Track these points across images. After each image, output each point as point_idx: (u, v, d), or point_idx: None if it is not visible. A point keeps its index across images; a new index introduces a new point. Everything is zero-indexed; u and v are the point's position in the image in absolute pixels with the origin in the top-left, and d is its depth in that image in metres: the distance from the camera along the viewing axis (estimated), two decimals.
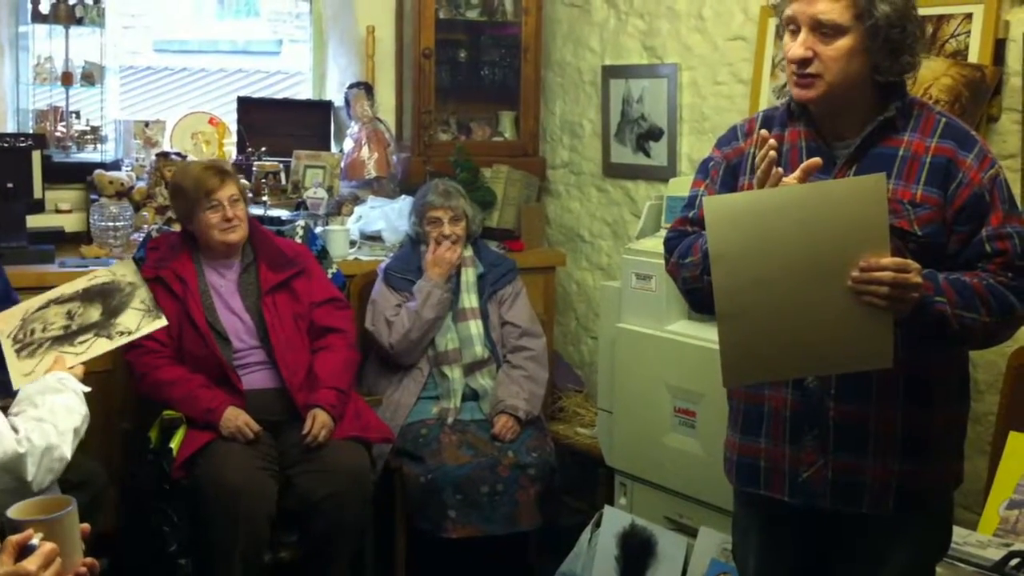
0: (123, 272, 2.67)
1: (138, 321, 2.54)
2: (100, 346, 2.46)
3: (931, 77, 3.01)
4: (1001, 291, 1.96)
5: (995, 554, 2.39)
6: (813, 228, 1.86)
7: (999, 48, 2.96)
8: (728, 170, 2.18)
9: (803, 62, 1.96)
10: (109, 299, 2.57)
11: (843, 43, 1.94)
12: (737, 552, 2.38)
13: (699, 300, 2.16)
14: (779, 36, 2.06)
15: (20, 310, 2.52)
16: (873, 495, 2.05)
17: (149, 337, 3.19)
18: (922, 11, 3.04)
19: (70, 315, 2.50)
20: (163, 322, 2.57)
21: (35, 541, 1.48)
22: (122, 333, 2.51)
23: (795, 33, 1.98)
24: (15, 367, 2.39)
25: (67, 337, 2.44)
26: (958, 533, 2.46)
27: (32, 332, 2.43)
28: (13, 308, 2.52)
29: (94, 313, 2.52)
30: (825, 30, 1.94)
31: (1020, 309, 1.98)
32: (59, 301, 2.52)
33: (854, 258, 1.86)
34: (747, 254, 1.89)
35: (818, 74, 1.96)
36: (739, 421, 2.20)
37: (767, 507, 2.18)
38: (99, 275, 2.65)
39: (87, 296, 2.55)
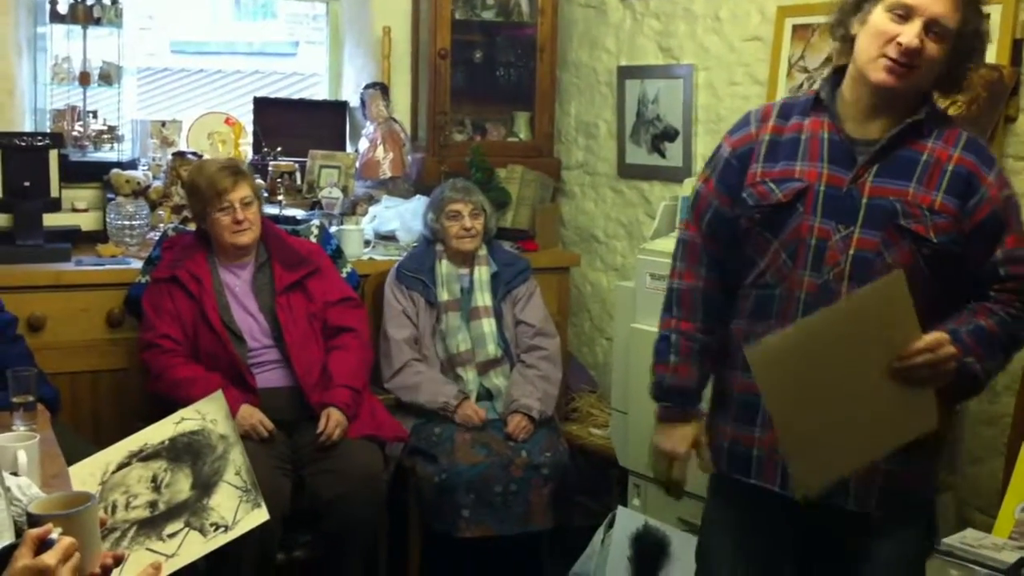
0: (213, 416, 2.30)
1: (234, 508, 2.19)
2: (193, 547, 2.12)
3: None
4: (1010, 325, 2.02)
5: (1010, 557, 2.38)
6: (849, 340, 1.93)
7: (1017, 48, 2.95)
8: (735, 159, 2.17)
9: (912, 52, 1.95)
10: (199, 461, 2.22)
11: (943, 47, 1.97)
12: (705, 543, 2.40)
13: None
14: (853, 10, 2.04)
15: (98, 464, 2.15)
16: (858, 493, 2.09)
17: (165, 336, 3.22)
18: None
19: (156, 484, 2.16)
20: (264, 515, 2.21)
21: (54, 536, 1.48)
22: (217, 527, 2.16)
23: (902, 18, 1.96)
24: None
25: (154, 524, 2.10)
26: (973, 535, 2.46)
27: (114, 508, 2.09)
28: (89, 461, 2.17)
29: (183, 484, 2.17)
30: (937, 30, 1.95)
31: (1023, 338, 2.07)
32: (142, 457, 2.18)
33: (890, 348, 1.92)
34: (797, 386, 1.96)
35: (917, 67, 1.97)
36: (732, 410, 2.21)
37: (752, 495, 2.19)
38: (187, 419, 2.28)
39: (173, 453, 2.21)
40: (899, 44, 1.95)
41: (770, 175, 2.11)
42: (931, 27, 1.95)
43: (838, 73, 2.12)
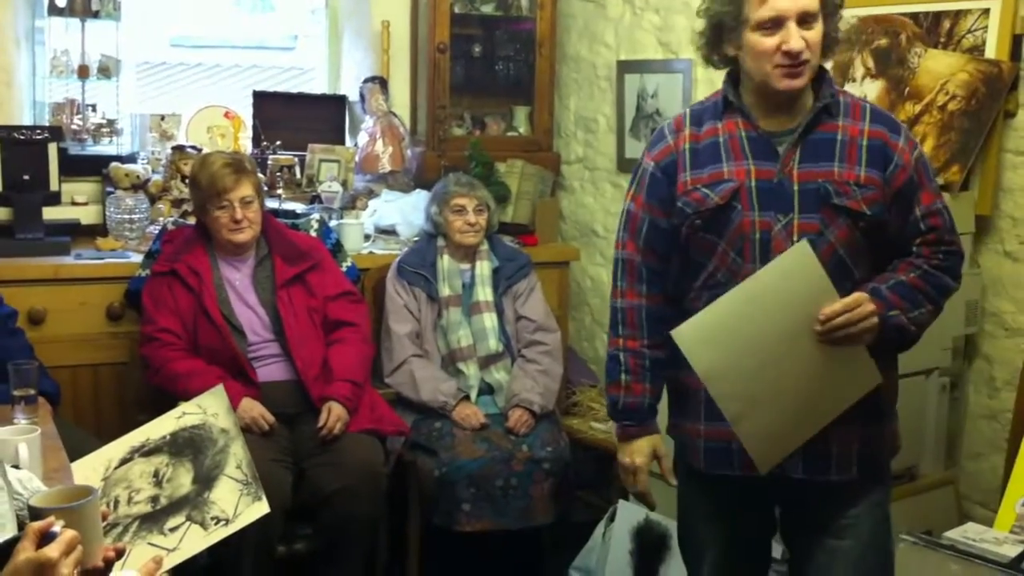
0: (214, 410, 2.35)
1: (235, 502, 2.21)
2: (194, 541, 2.14)
3: (948, 72, 3.01)
4: (935, 275, 2.13)
5: (1011, 551, 2.38)
6: (771, 310, 2.04)
7: (1016, 44, 2.95)
8: (660, 172, 2.23)
9: (799, 52, 2.05)
10: (200, 455, 2.25)
11: (820, 28, 2.08)
12: (690, 534, 2.43)
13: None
14: (705, 37, 2.21)
15: (100, 460, 2.19)
16: (839, 462, 2.17)
17: (165, 330, 3.22)
18: (940, 6, 3.08)
19: (158, 478, 2.19)
20: (265, 508, 2.23)
21: (57, 528, 1.48)
22: (217, 520, 2.17)
23: (772, 30, 2.05)
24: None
25: (156, 519, 2.12)
26: (974, 530, 2.45)
27: (116, 503, 2.12)
28: (91, 457, 2.19)
29: (185, 478, 2.20)
30: (808, 18, 2.06)
31: (953, 284, 2.17)
32: (144, 452, 2.22)
33: (810, 314, 2.03)
34: (729, 361, 2.07)
35: (807, 61, 2.07)
36: (702, 410, 2.24)
37: (737, 486, 2.24)
38: (188, 413, 2.33)
39: (175, 447, 2.24)
40: (786, 52, 2.05)
41: (700, 180, 2.17)
42: (803, 20, 2.05)
43: (735, 76, 2.20)
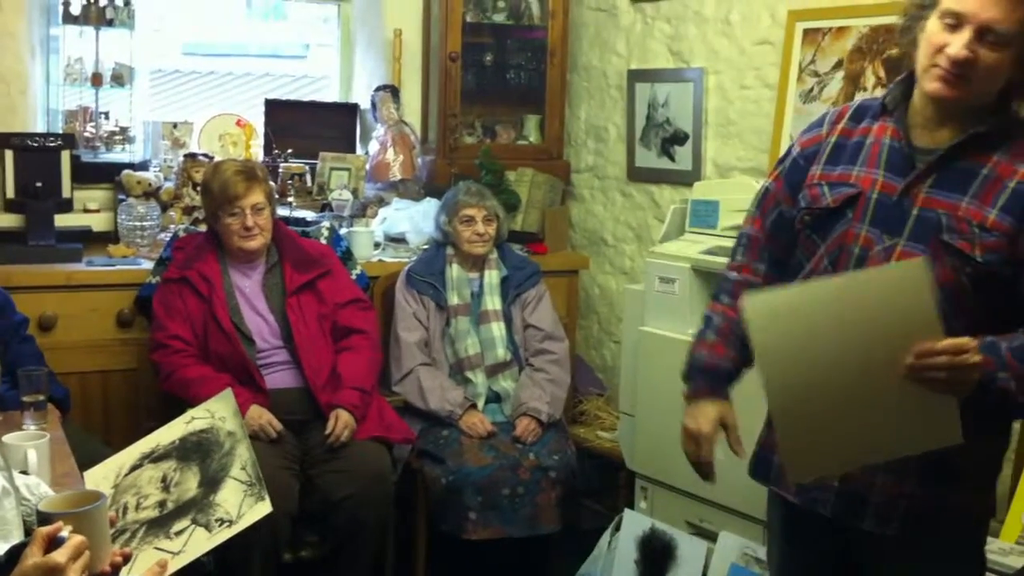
0: (222, 414, 2.35)
1: (239, 503, 2.21)
2: (199, 543, 2.14)
3: None
4: None
5: (1017, 561, 2.38)
6: (860, 319, 1.80)
7: None
8: (802, 159, 2.10)
9: (961, 62, 1.83)
10: (207, 459, 2.26)
11: (1003, 55, 1.83)
12: (768, 551, 2.38)
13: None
14: (918, 15, 1.93)
15: (112, 467, 2.19)
16: (878, 513, 1.97)
17: (175, 337, 3.24)
18: None
19: (166, 483, 2.19)
20: (268, 508, 2.23)
21: (64, 533, 1.49)
22: (222, 522, 2.18)
23: (953, 27, 1.84)
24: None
25: (162, 524, 2.13)
26: None
27: (125, 510, 2.12)
28: (103, 465, 2.19)
29: (191, 482, 2.21)
30: (992, 38, 1.82)
31: None
32: (153, 458, 2.22)
33: (907, 343, 1.79)
34: (793, 351, 1.84)
35: (969, 77, 1.84)
36: (768, 416, 2.13)
37: (783, 506, 2.16)
38: (197, 418, 2.34)
39: (183, 452, 2.24)
40: (947, 55, 1.84)
41: (827, 178, 2.03)
42: (984, 35, 1.82)
43: (910, 77, 1.99)
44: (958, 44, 1.82)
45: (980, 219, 1.86)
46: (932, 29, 1.87)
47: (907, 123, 1.97)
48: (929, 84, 1.88)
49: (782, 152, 2.27)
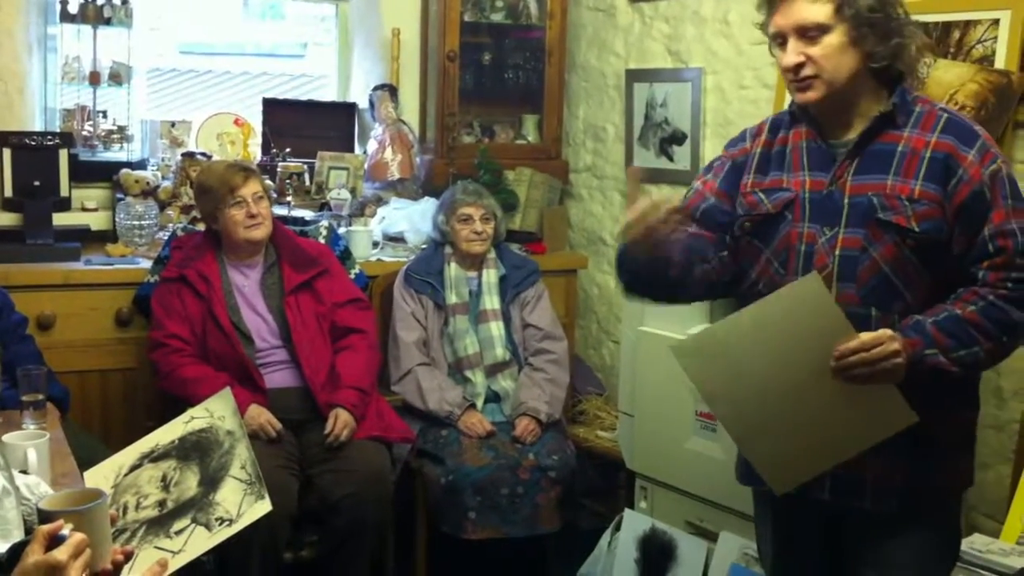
0: (221, 413, 2.35)
1: (239, 502, 2.19)
2: (199, 542, 2.13)
3: (957, 83, 3.00)
4: (999, 308, 1.94)
5: (1018, 562, 2.38)
6: (779, 338, 1.96)
7: None
8: (733, 168, 2.24)
9: (797, 67, 2.01)
10: (207, 458, 2.26)
11: (830, 40, 1.99)
12: (760, 547, 2.41)
13: (623, 278, 2.26)
14: (772, 54, 2.16)
15: (111, 467, 2.20)
16: (876, 492, 2.06)
17: (173, 336, 3.23)
18: (950, 16, 3.07)
19: (165, 482, 2.19)
20: (267, 506, 2.22)
21: (65, 532, 1.49)
22: (222, 521, 2.16)
23: (783, 46, 2.03)
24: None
25: (162, 523, 2.12)
26: (981, 541, 2.46)
27: (125, 509, 2.12)
28: (103, 465, 2.20)
29: (191, 481, 2.21)
30: (811, 32, 1.99)
31: (1022, 318, 1.96)
32: (153, 458, 2.23)
33: (825, 348, 1.92)
34: (730, 380, 2.01)
35: (814, 75, 2.00)
36: None
37: (773, 500, 2.20)
38: (196, 417, 2.34)
39: (183, 451, 2.25)
40: (785, 67, 2.03)
41: (760, 186, 2.16)
42: (803, 34, 1.99)
43: None
44: (788, 54, 2.01)
45: (908, 192, 1.99)
46: (776, 56, 2.07)
47: (819, 124, 2.11)
48: (796, 97, 2.06)
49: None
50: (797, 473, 2.06)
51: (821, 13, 1.98)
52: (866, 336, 1.90)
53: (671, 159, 4.08)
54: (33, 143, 3.77)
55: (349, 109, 4.52)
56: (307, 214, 4.06)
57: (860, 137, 2.04)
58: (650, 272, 2.16)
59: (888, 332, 1.91)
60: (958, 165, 1.97)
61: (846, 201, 2.03)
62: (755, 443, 2.06)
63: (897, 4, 2.04)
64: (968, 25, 3.05)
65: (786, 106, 3.56)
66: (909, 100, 2.06)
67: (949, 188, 1.97)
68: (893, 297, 2.00)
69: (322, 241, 3.69)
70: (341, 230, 3.90)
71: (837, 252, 2.02)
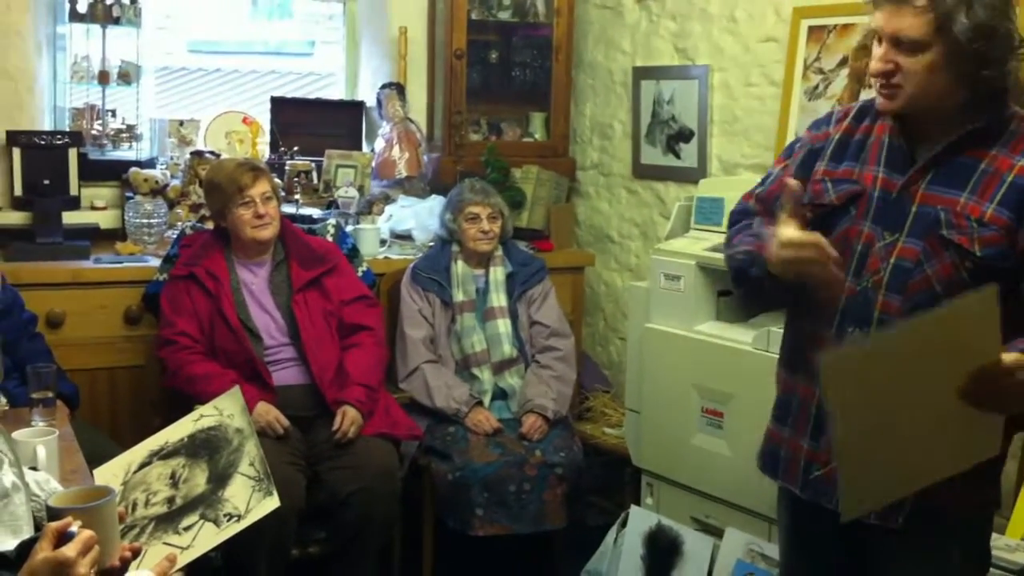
0: (230, 411, 2.35)
1: (247, 498, 2.21)
2: (207, 538, 2.15)
3: None
4: None
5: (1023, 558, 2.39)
6: (930, 355, 1.76)
7: None
8: (810, 153, 2.13)
9: (886, 74, 1.91)
10: (216, 455, 2.26)
11: (925, 58, 1.88)
12: (779, 543, 2.37)
13: (742, 291, 2.20)
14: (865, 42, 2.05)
15: (121, 465, 2.20)
16: (884, 507, 1.98)
17: (182, 333, 3.25)
18: None
19: (174, 479, 2.20)
20: (275, 502, 2.24)
21: (74, 528, 1.50)
22: (230, 517, 2.18)
23: (880, 43, 1.94)
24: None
25: (171, 519, 2.13)
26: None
27: (134, 506, 2.12)
28: (112, 462, 2.20)
29: (200, 478, 2.21)
30: (906, 45, 1.89)
31: None
32: (162, 455, 2.23)
33: (968, 366, 1.76)
34: (868, 402, 1.79)
35: (899, 85, 1.91)
36: (775, 409, 2.17)
37: (791, 499, 2.17)
38: (205, 415, 2.33)
39: (192, 449, 2.25)
40: (871, 70, 1.95)
41: (832, 175, 2.06)
42: (897, 43, 1.89)
43: None
44: (876, 58, 1.93)
45: (978, 214, 1.88)
46: (872, 51, 1.97)
47: (905, 123, 2.00)
48: (878, 103, 1.98)
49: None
50: (877, 496, 1.91)
51: (921, 30, 1.86)
52: (1011, 359, 1.74)
53: (678, 156, 4.08)
54: (43, 142, 3.79)
55: (357, 107, 4.53)
56: (315, 212, 4.07)
57: (944, 148, 1.93)
58: (774, 290, 2.05)
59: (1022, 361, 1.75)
60: None
61: (914, 209, 1.94)
62: (857, 462, 1.84)
63: (1006, 32, 1.89)
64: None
65: (794, 104, 3.63)
66: (1006, 117, 1.94)
67: None
68: None
69: (330, 239, 3.70)
70: (349, 228, 3.92)
71: (892, 260, 1.94)
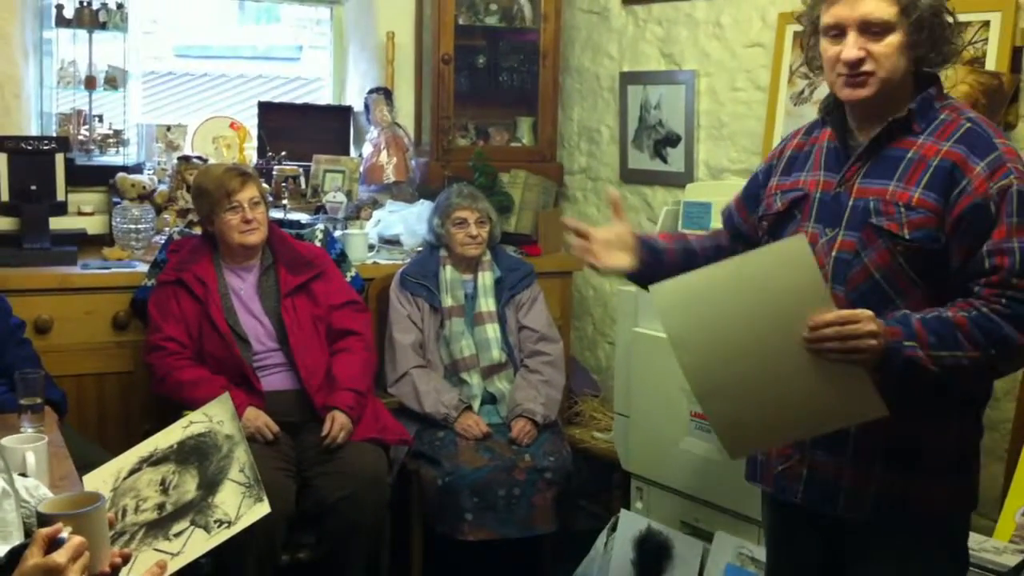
0: (220, 418, 2.35)
1: (238, 504, 2.20)
2: (197, 544, 2.14)
3: (948, 84, 3.01)
4: (992, 321, 1.86)
5: (1011, 560, 2.40)
6: (756, 298, 1.91)
7: (1016, 56, 2.98)
8: (762, 173, 2.27)
9: (856, 63, 1.95)
10: (206, 462, 2.26)
11: (893, 39, 1.95)
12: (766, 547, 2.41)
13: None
14: (802, 43, 2.13)
15: (110, 471, 2.21)
16: (849, 498, 2.03)
17: (170, 339, 3.25)
18: None
19: (164, 486, 2.20)
20: (266, 509, 2.23)
21: (64, 534, 1.50)
22: (220, 523, 2.17)
23: (837, 37, 1.98)
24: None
25: (161, 525, 2.13)
26: (974, 539, 2.46)
27: (124, 512, 2.13)
28: (102, 469, 2.21)
29: (190, 484, 2.21)
30: (875, 29, 1.94)
31: (1014, 335, 1.86)
32: (152, 461, 2.24)
33: (803, 318, 1.87)
34: (702, 333, 1.95)
35: (871, 72, 1.96)
36: None
37: (772, 502, 2.22)
38: (195, 422, 2.34)
39: (181, 455, 2.25)
40: (843, 60, 1.97)
41: (781, 187, 2.16)
42: (866, 28, 1.95)
43: None
44: (849, 47, 1.96)
45: (906, 199, 1.96)
46: (823, 47, 2.02)
47: (846, 127, 2.09)
48: (841, 93, 2.01)
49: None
50: (753, 441, 2.05)
51: (889, 11, 1.94)
52: (844, 311, 1.86)
53: (665, 161, 4.09)
54: (29, 147, 3.78)
55: (344, 112, 4.53)
56: (303, 217, 4.07)
57: (871, 141, 2.01)
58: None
59: (867, 312, 1.86)
60: (963, 176, 1.91)
61: (850, 203, 2.01)
62: (716, 402, 1.99)
63: (949, 10, 2.01)
64: (959, 27, 3.06)
65: (780, 109, 3.64)
66: (936, 107, 2.02)
67: (951, 199, 1.92)
68: (884, 304, 1.94)
69: (318, 244, 3.70)
70: (337, 233, 3.91)
71: (833, 254, 2.01)
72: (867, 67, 1.96)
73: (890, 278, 1.96)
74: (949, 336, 1.87)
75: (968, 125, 1.98)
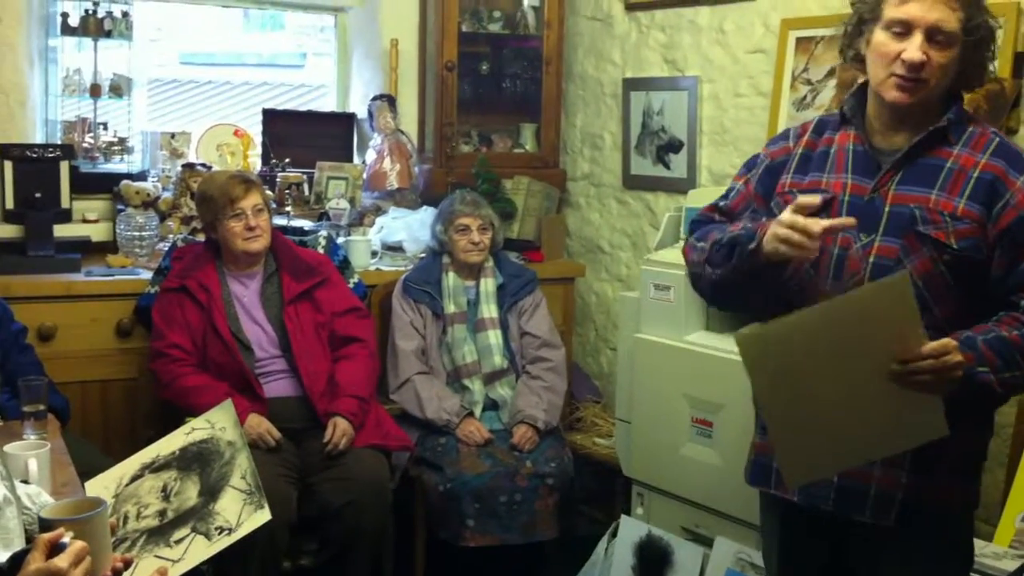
0: (222, 424, 2.35)
1: (239, 511, 2.21)
2: (198, 551, 2.15)
3: None
4: None
5: (1011, 565, 2.40)
6: (847, 336, 1.87)
7: (1018, 61, 2.98)
8: (770, 168, 2.19)
9: (918, 66, 1.93)
10: (208, 468, 2.26)
11: (952, 53, 1.95)
12: (764, 555, 2.40)
13: (699, 285, 2.23)
14: (857, 32, 2.05)
15: (112, 478, 2.21)
16: (878, 504, 2.04)
17: (174, 346, 3.26)
18: None
19: (166, 493, 2.20)
20: (267, 516, 2.24)
21: (66, 539, 1.51)
22: (221, 530, 2.18)
23: (901, 35, 1.95)
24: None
25: (162, 532, 2.14)
26: (975, 544, 2.47)
27: (126, 519, 2.13)
28: (104, 475, 2.20)
29: (191, 491, 2.22)
30: (940, 38, 1.93)
31: None
32: (154, 468, 2.23)
33: (891, 350, 1.86)
34: (787, 377, 1.91)
35: (926, 80, 1.95)
36: (759, 421, 2.19)
37: (782, 508, 2.19)
38: (197, 428, 2.34)
39: (183, 462, 2.25)
40: (903, 61, 1.94)
41: (798, 186, 2.11)
42: (933, 36, 1.93)
43: (863, 88, 2.11)
44: (913, 48, 1.93)
45: (951, 209, 1.96)
46: (880, 40, 1.99)
47: (867, 129, 2.07)
48: (889, 93, 1.98)
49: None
50: (818, 470, 2.03)
51: (956, 25, 1.93)
52: (935, 345, 1.85)
53: (668, 167, 4.10)
54: (34, 155, 3.79)
55: (348, 119, 4.55)
56: (306, 224, 4.08)
57: (910, 148, 2.00)
58: (746, 279, 2.10)
59: (953, 343, 1.86)
60: (1006, 189, 1.95)
61: (887, 210, 2.00)
62: (788, 435, 1.98)
63: (992, 28, 2.01)
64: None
65: (783, 114, 3.64)
66: (965, 119, 2.03)
67: (994, 211, 1.94)
68: (921, 311, 1.90)
69: (321, 251, 3.71)
70: (340, 240, 3.92)
71: (871, 259, 2.00)
72: (924, 73, 1.94)
73: (929, 285, 1.97)
74: (1011, 357, 1.91)
75: (998, 139, 2.01)
